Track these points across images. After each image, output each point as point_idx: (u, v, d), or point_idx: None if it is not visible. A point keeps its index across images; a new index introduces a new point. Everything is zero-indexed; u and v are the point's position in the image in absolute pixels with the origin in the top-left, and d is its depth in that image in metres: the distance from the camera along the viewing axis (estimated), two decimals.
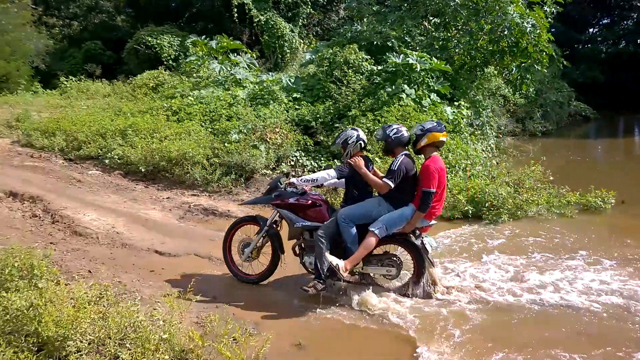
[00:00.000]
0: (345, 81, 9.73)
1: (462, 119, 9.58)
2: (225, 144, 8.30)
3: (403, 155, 4.10)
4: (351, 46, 10.34)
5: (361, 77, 9.88)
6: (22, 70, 17.69)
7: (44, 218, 6.09)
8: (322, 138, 8.78)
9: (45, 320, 2.70)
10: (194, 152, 7.88)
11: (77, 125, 9.95)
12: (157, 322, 3.05)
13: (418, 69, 9.34)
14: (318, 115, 9.21)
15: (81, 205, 6.48)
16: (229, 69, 12.03)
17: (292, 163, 8.50)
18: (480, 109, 10.91)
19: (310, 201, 4.26)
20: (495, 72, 12.01)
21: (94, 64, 19.34)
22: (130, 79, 14.89)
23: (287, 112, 9.71)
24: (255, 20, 16.76)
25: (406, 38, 11.74)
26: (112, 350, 2.75)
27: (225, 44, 13.55)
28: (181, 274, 4.66)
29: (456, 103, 10.00)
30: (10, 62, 17.24)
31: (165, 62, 16.08)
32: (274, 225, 4.42)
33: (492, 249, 5.44)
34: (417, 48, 11.04)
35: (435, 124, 4.17)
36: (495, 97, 13.31)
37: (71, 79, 16.30)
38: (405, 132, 4.17)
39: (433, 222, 4.21)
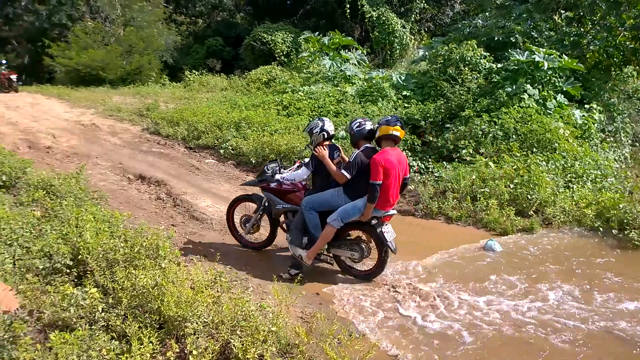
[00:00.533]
0: (459, 79, 9.22)
1: (593, 123, 8.53)
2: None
3: (364, 147, 4.29)
4: (469, 42, 9.76)
5: (478, 75, 9.28)
6: (153, 64, 19.65)
7: (167, 201, 6.65)
8: (430, 138, 8.42)
9: (167, 300, 2.88)
10: (301, 147, 8.04)
11: (197, 116, 10.75)
12: (267, 313, 3.09)
13: (545, 67, 8.49)
14: (428, 115, 8.85)
15: (198, 192, 6.97)
16: (339, 65, 12.11)
17: None
18: (615, 114, 9.63)
19: (289, 187, 4.71)
20: (635, 72, 10.50)
21: (214, 59, 20.82)
22: (246, 73, 15.74)
23: (396, 110, 9.49)
24: (367, 16, 16.68)
25: (532, 33, 10.75)
26: (225, 337, 2.84)
27: (337, 40, 13.67)
28: (286, 264, 4.73)
29: (587, 106, 8.94)
30: (144, 56, 19.23)
31: (277, 58, 16.73)
32: (267, 204, 4.88)
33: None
34: (545, 44, 10.04)
35: (390, 117, 4.29)
36: (632, 101, 11.66)
37: (194, 73, 17.72)
38: (368, 125, 4.38)
39: (392, 211, 4.33)
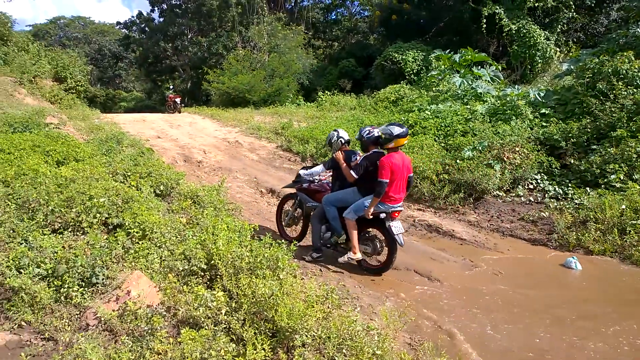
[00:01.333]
0: (611, 95, 8.12)
1: None
2: (457, 161, 8.03)
3: (372, 152, 5.00)
4: (625, 53, 8.55)
5: (635, 90, 8.05)
6: (291, 86, 21.14)
7: None
8: (572, 161, 7.57)
9: (281, 311, 3.09)
10: (424, 167, 7.90)
11: (325, 134, 11.26)
12: (373, 335, 3.12)
13: None
14: (570, 135, 7.97)
15: None
16: (470, 82, 11.62)
17: (531, 187, 7.59)
18: None
19: (317, 187, 5.58)
20: None
21: (345, 80, 21.61)
22: (374, 93, 16.00)
23: (532, 129, 8.74)
24: (506, 29, 15.73)
25: None
26: (331, 353, 2.94)
27: (469, 57, 13.15)
28: (400, 288, 4.70)
29: None
30: (284, 79, 20.82)
31: (407, 77, 16.69)
32: (300, 202, 5.75)
33: None
34: None
35: (402, 130, 4.79)
36: None
37: (326, 93, 18.60)
38: (376, 133, 5.03)
39: (399, 207, 4.90)
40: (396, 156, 4.82)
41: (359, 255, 5.01)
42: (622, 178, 6.51)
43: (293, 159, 10.92)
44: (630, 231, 5.39)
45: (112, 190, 5.22)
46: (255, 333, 3.04)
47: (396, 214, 4.94)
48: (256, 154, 11.49)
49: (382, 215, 4.85)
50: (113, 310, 3.34)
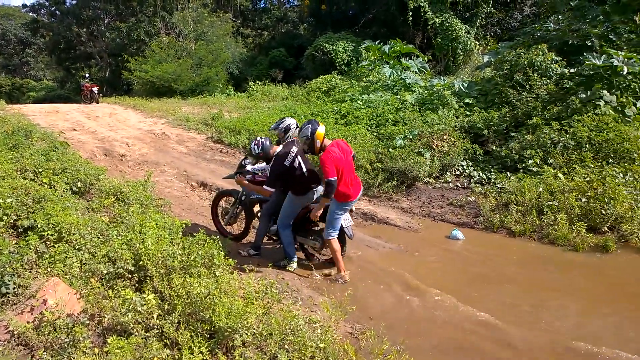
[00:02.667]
0: (527, 86, 8.72)
1: None
2: (390, 150, 8.20)
3: (274, 156, 4.75)
4: (539, 46, 9.20)
5: (548, 81, 8.72)
6: (220, 75, 20.46)
7: None
8: (493, 147, 8.02)
9: (219, 311, 2.92)
10: (358, 156, 7.96)
11: (258, 125, 11.03)
12: (315, 328, 3.05)
13: (624, 72, 7.80)
14: (491, 123, 8.45)
15: None
16: (399, 73, 11.92)
17: (458, 173, 7.96)
18: None
19: (262, 179, 5.13)
20: None
21: (277, 70, 21.34)
22: (306, 83, 15.95)
23: (457, 118, 9.16)
24: (430, 22, 16.34)
25: (610, 36, 9.94)
26: (273, 350, 2.83)
27: (397, 48, 13.49)
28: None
29: None
30: (212, 68, 20.10)
31: (338, 67, 16.81)
32: (243, 197, 5.47)
33: None
34: (625, 48, 9.24)
35: (312, 123, 4.51)
36: None
37: (257, 83, 18.25)
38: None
39: (352, 203, 4.63)
40: (332, 148, 4.46)
41: (346, 277, 4.60)
42: (538, 163, 7.02)
43: (225, 151, 10.57)
44: (547, 212, 5.81)
45: (21, 189, 4.68)
46: (191, 336, 2.85)
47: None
48: (185, 146, 10.98)
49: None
50: (28, 322, 2.99)
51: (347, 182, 4.46)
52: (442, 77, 12.07)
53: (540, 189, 6.14)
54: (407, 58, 13.83)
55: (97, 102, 18.24)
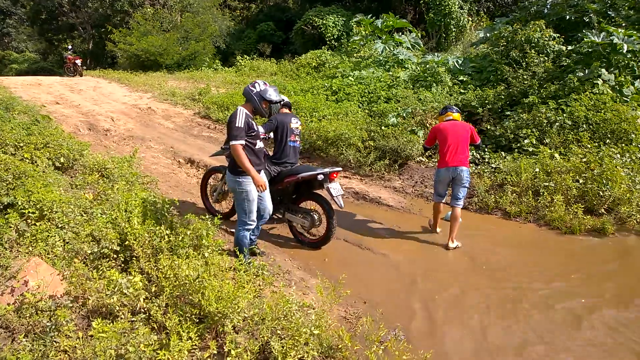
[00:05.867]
0: (524, 63, 8.55)
1: None
2: (382, 127, 8.04)
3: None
4: (537, 22, 8.99)
5: (545, 58, 8.54)
6: (207, 49, 19.88)
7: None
8: (488, 126, 7.90)
9: (208, 294, 2.79)
10: (350, 134, 7.80)
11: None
12: (309, 313, 2.94)
13: (624, 50, 7.66)
14: (486, 101, 8.30)
15: None
16: (391, 49, 11.64)
17: None
18: None
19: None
20: None
21: (265, 44, 20.78)
22: (295, 58, 15.56)
23: (451, 95, 8.99)
24: None
25: (609, 12, 9.75)
26: (265, 337, 2.72)
27: (390, 22, 13.15)
28: (331, 260, 4.58)
29: None
30: (199, 42, 19.51)
31: (328, 42, 16.40)
32: None
33: None
34: (624, 24, 9.07)
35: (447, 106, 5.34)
36: None
37: (245, 58, 17.78)
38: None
39: (337, 167, 4.76)
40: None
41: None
42: (534, 142, 6.92)
43: (212, 127, 10.30)
44: (543, 193, 5.74)
45: (0, 164, 4.44)
46: (179, 320, 2.72)
47: (335, 175, 4.64)
48: (172, 122, 10.67)
49: (320, 177, 4.56)
50: (8, 304, 2.83)
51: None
52: (435, 54, 11.81)
53: (537, 170, 6.06)
54: (400, 34, 13.50)
55: (81, 75, 17.68)
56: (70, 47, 20.86)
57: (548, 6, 10.10)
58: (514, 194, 5.88)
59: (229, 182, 4.03)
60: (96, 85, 15.06)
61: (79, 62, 17.81)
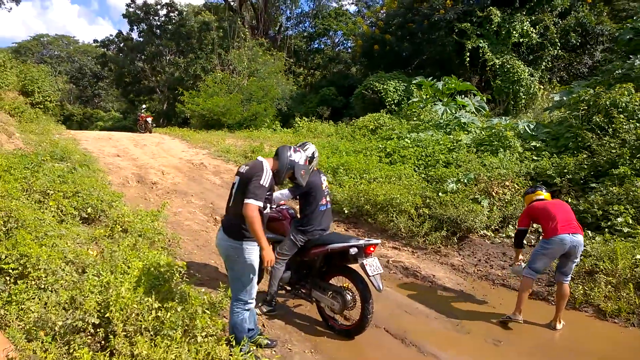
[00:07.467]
0: (610, 129, 7.40)
1: None
2: (440, 194, 7.11)
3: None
4: (624, 85, 7.90)
5: (637, 125, 7.33)
6: (268, 111, 20.37)
7: None
8: (568, 199, 6.69)
9: None
10: (401, 199, 6.92)
11: None
12: None
13: None
14: (565, 170, 7.14)
15: None
16: (453, 111, 10.89)
17: None
18: None
19: (274, 215, 4.35)
20: None
21: (324, 107, 20.96)
22: (353, 120, 15.26)
23: (522, 162, 7.92)
24: (489, 64, 15.29)
25: None
26: None
27: (452, 85, 12.51)
28: (364, 356, 3.61)
29: None
30: (261, 104, 20.06)
31: (387, 106, 16.03)
32: None
33: None
34: None
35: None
36: None
37: (304, 119, 17.83)
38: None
39: (376, 240, 3.92)
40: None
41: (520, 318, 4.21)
42: (629, 222, 5.62)
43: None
44: None
45: (5, 210, 4.07)
46: None
47: (371, 249, 3.78)
48: (219, 178, 10.41)
49: (353, 250, 3.72)
50: None
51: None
52: (503, 118, 10.85)
53: (637, 256, 4.77)
54: (463, 96, 12.76)
55: (150, 132, 18.62)
56: (144, 106, 22.30)
57: (636, 69, 8.92)
58: (609, 286, 4.60)
59: (224, 248, 3.26)
60: (160, 141, 15.55)
61: (149, 120, 18.88)
